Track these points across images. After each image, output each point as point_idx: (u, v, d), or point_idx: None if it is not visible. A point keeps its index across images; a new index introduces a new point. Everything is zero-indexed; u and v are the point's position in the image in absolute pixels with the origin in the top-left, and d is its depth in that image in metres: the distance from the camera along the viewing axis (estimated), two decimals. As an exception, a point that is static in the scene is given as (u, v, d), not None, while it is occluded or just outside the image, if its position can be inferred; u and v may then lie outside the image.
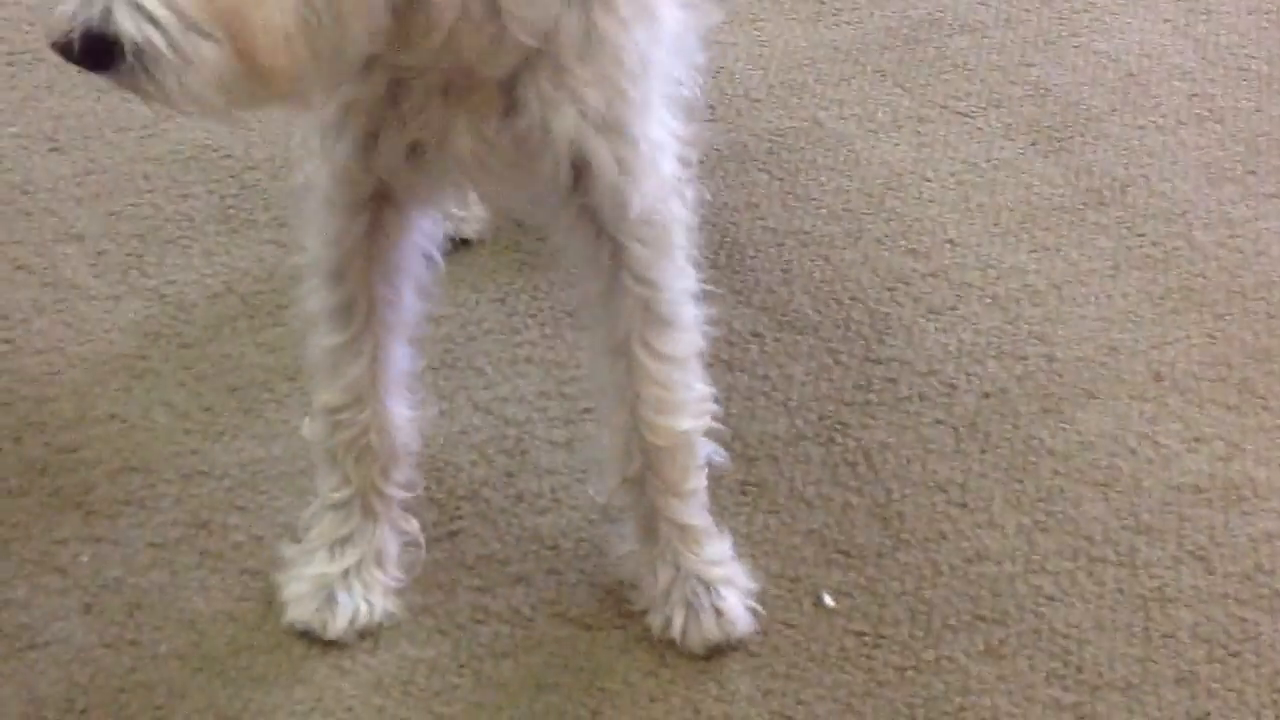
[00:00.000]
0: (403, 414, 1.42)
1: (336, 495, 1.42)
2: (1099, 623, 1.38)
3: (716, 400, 1.41)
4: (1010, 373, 1.64)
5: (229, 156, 1.91)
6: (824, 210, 1.86)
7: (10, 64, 2.07)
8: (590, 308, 1.38)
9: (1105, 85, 2.11)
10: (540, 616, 1.38)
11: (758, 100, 2.05)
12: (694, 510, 1.41)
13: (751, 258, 1.78)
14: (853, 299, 1.74)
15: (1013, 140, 2.00)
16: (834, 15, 2.21)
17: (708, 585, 1.39)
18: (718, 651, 1.38)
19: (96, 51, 0.97)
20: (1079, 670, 1.34)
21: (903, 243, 1.82)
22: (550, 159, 1.21)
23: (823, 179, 1.91)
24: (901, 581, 1.41)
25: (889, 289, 1.75)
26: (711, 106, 2.00)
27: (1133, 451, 1.55)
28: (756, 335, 1.67)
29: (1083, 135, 2.01)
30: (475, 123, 1.20)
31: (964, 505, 1.49)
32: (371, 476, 1.41)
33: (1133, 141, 2.00)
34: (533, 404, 1.60)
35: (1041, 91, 2.09)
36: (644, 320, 1.34)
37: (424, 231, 1.37)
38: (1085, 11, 2.26)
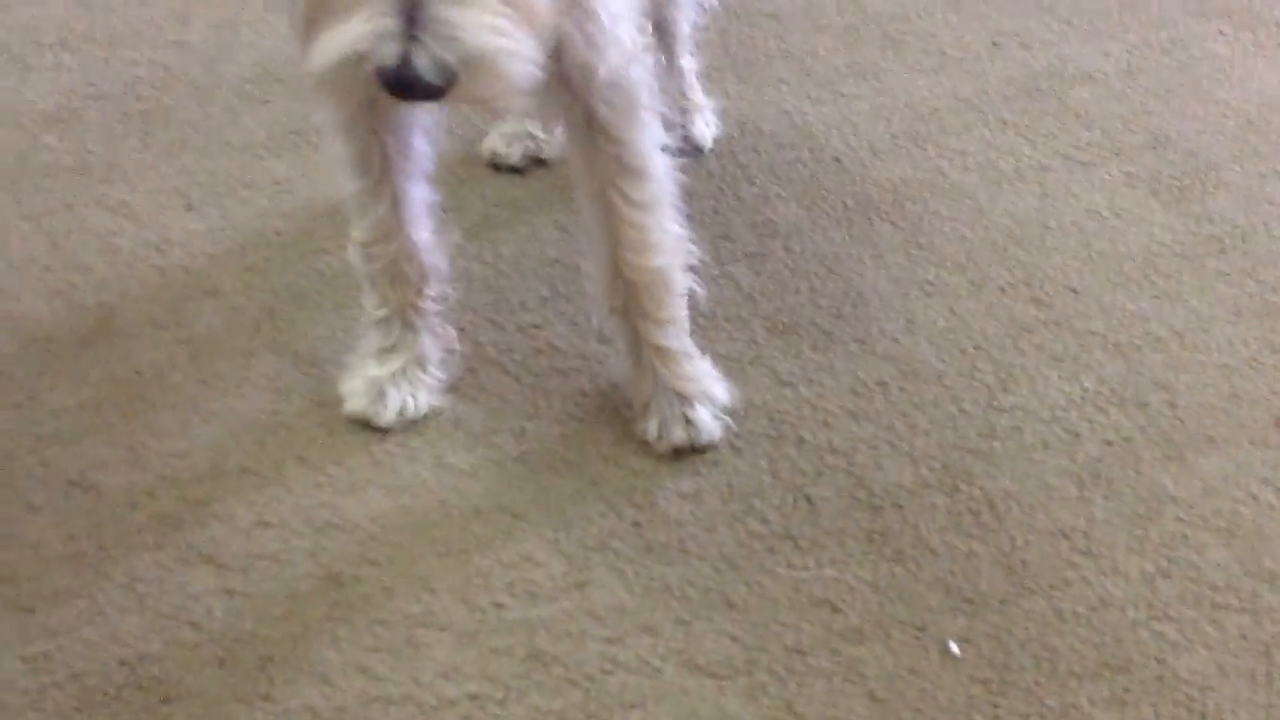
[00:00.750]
0: (426, 240, 1.67)
1: (379, 313, 1.70)
2: (1222, 669, 1.40)
3: (692, 241, 1.64)
4: (1133, 420, 1.67)
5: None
6: (947, 260, 1.90)
7: (144, 123, 2.15)
8: (573, 162, 1.59)
9: (1225, 134, 2.13)
10: (669, 666, 1.43)
11: (881, 151, 2.09)
12: (671, 334, 1.65)
13: (876, 308, 1.83)
14: (976, 348, 1.77)
15: (1134, 189, 2.02)
16: (956, 67, 2.25)
17: (682, 398, 1.64)
18: (683, 454, 1.63)
19: (437, 82, 1.19)
20: (1203, 718, 1.36)
21: (1025, 291, 1.86)
22: None
23: (946, 229, 1.96)
24: (1026, 629, 1.44)
25: (1012, 337, 1.79)
26: (837, 158, 2.06)
27: (1254, 498, 1.58)
28: (881, 384, 1.72)
29: (1203, 183, 2.03)
30: None
31: (1088, 552, 1.52)
32: (407, 295, 1.68)
33: (1253, 189, 2.02)
34: (660, 457, 1.66)
35: (1162, 140, 2.11)
36: (616, 171, 1.56)
37: None
38: (1205, 61, 2.29)
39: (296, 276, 1.88)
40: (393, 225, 1.64)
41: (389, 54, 1.17)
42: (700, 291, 1.69)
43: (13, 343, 1.77)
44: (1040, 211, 1.98)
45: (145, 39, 2.23)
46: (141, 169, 2.06)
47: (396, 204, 1.63)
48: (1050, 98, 2.19)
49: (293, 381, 1.73)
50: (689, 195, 1.95)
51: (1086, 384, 1.72)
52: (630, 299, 1.62)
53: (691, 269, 1.67)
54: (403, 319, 1.70)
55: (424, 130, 1.62)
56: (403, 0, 1.17)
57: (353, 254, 1.68)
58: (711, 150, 2.07)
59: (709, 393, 1.66)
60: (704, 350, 1.69)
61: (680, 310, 1.65)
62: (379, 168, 1.60)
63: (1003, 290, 1.86)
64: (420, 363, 1.70)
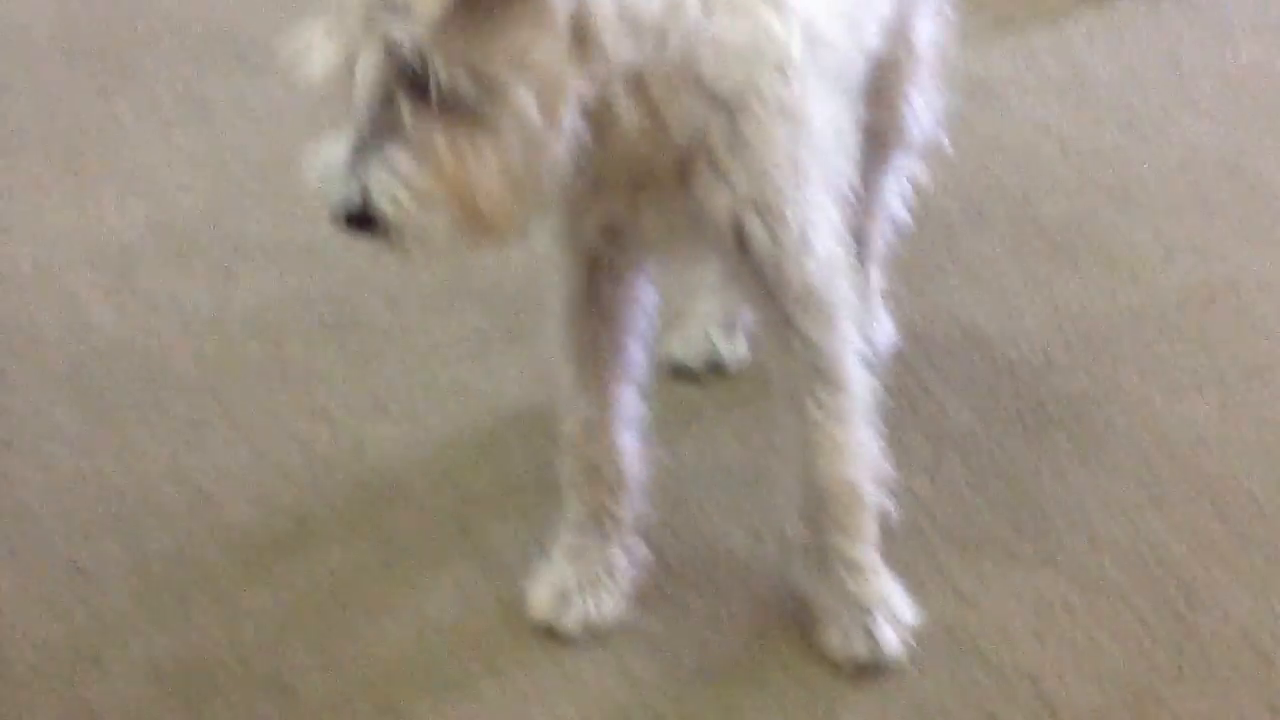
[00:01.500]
0: (630, 447, 1.73)
1: (573, 514, 1.74)
2: None
3: (885, 455, 1.67)
4: (1325, 643, 1.65)
5: (545, 416, 2.03)
6: (1127, 472, 1.91)
7: (340, 329, 2.22)
8: (769, 362, 1.65)
9: None
10: None
11: (1055, 361, 2.11)
12: (860, 548, 1.67)
13: (1057, 521, 1.84)
14: (1160, 564, 1.77)
15: (1316, 400, 2.02)
16: (1129, 277, 2.27)
17: (866, 612, 1.65)
18: (865, 669, 1.64)
19: (363, 223, 1.34)
20: None
21: (1209, 506, 1.85)
22: (713, 230, 1.49)
23: (1124, 440, 1.96)
24: None
25: (1197, 553, 1.78)
26: (1011, 368, 2.08)
27: None
28: (1066, 603, 1.72)
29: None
30: (655, 205, 1.50)
31: (1282, 781, 1.50)
32: (602, 500, 1.72)
33: None
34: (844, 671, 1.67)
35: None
36: (812, 379, 1.60)
37: (638, 294, 1.67)
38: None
39: (486, 482, 1.94)
40: (599, 425, 1.70)
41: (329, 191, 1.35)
42: (891, 508, 1.71)
43: (215, 545, 1.84)
44: (1221, 423, 1.99)
45: (342, 248, 2.34)
46: (338, 374, 2.14)
47: (605, 404, 1.69)
48: (1225, 307, 2.20)
49: (482, 587, 1.78)
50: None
51: (1275, 604, 1.71)
52: (822, 509, 1.65)
53: (883, 483, 1.69)
54: (596, 523, 1.74)
55: (640, 338, 1.70)
56: (354, 143, 1.34)
57: (558, 452, 1.74)
58: (885, 359, 2.10)
59: (893, 608, 1.67)
60: (884, 563, 1.71)
61: (871, 524, 1.68)
62: (590, 362, 1.67)
63: (1185, 504, 1.86)
64: (608, 570, 1.74)
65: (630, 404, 1.72)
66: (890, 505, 1.71)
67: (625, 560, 1.75)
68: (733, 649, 1.69)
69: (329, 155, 1.36)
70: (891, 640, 1.65)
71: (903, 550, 1.78)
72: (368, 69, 1.31)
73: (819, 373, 1.59)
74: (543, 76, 1.32)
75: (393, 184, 1.32)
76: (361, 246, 1.36)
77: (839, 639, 1.66)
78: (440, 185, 1.33)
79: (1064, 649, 1.66)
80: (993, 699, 1.60)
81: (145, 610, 1.76)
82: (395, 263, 1.43)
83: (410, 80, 1.30)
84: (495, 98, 1.31)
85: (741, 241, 1.50)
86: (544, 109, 1.33)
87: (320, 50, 1.34)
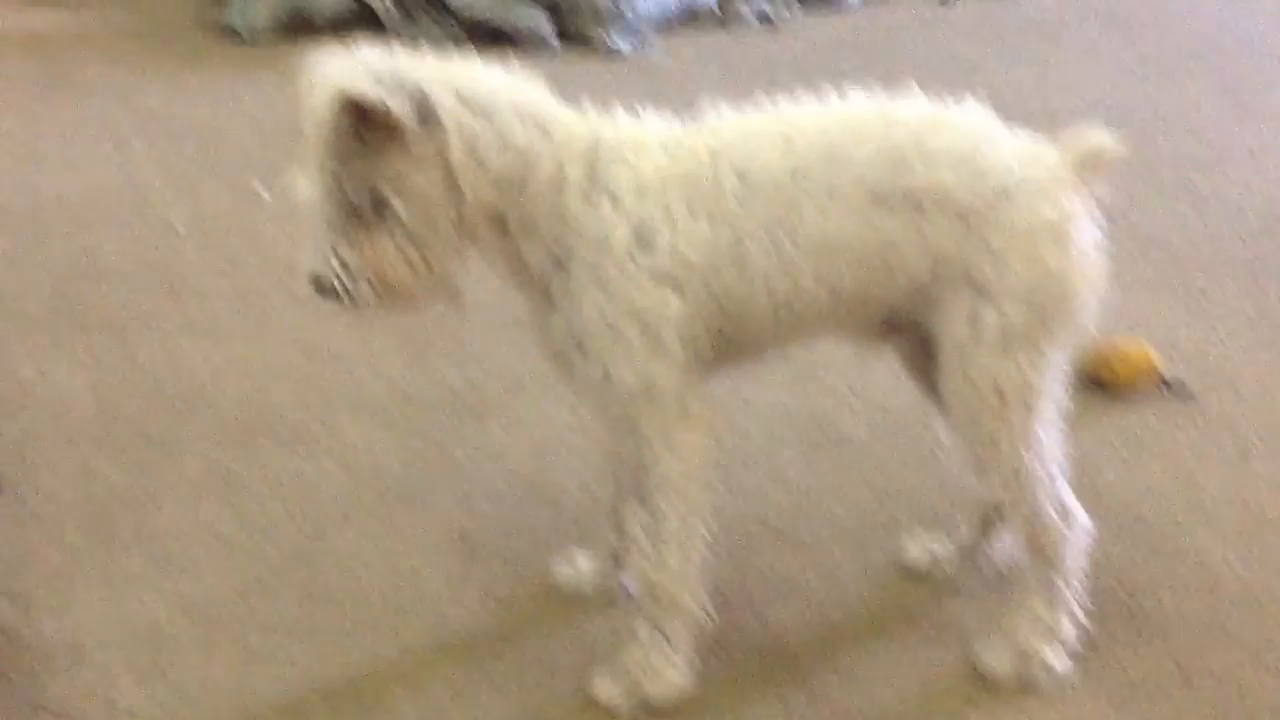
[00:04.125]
0: None
1: None
2: None
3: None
4: None
5: None
6: None
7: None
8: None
9: None
10: None
11: None
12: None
13: None
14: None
15: None
16: (1147, 699, 2.30)
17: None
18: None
19: (325, 292, 2.01)
20: None
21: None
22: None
23: None
24: None
25: None
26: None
27: None
28: None
29: None
30: (534, 318, 2.21)
31: None
32: None
33: None
34: None
35: None
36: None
37: None
38: None
39: None
40: None
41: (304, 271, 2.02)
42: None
43: None
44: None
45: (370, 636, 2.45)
46: None
47: None
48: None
49: None
50: None
51: None
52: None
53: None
54: None
55: None
56: (318, 242, 2.01)
57: None
58: None
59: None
60: None
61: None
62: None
63: None
64: None
65: None
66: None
67: None
68: None
69: (306, 250, 2.01)
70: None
71: None
72: (321, 192, 1.97)
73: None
74: (419, 197, 1.98)
75: (335, 267, 1.99)
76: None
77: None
78: (363, 267, 1.99)
79: None
80: None
81: None
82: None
83: (342, 198, 1.97)
84: (385, 210, 1.97)
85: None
86: (423, 221, 1.99)
87: (299, 184, 1.97)
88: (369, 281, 1.99)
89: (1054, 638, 2.29)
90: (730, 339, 2.16)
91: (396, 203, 1.96)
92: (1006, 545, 2.45)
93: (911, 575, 2.54)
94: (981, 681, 2.31)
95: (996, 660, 2.30)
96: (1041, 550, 2.26)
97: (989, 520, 2.49)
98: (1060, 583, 2.28)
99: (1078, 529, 2.27)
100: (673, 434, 2.13)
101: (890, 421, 3.06)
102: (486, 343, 3.34)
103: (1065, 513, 2.25)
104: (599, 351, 2.09)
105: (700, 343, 2.13)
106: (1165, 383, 3.11)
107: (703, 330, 2.12)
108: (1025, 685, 2.28)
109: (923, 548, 2.57)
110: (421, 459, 2.97)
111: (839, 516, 2.76)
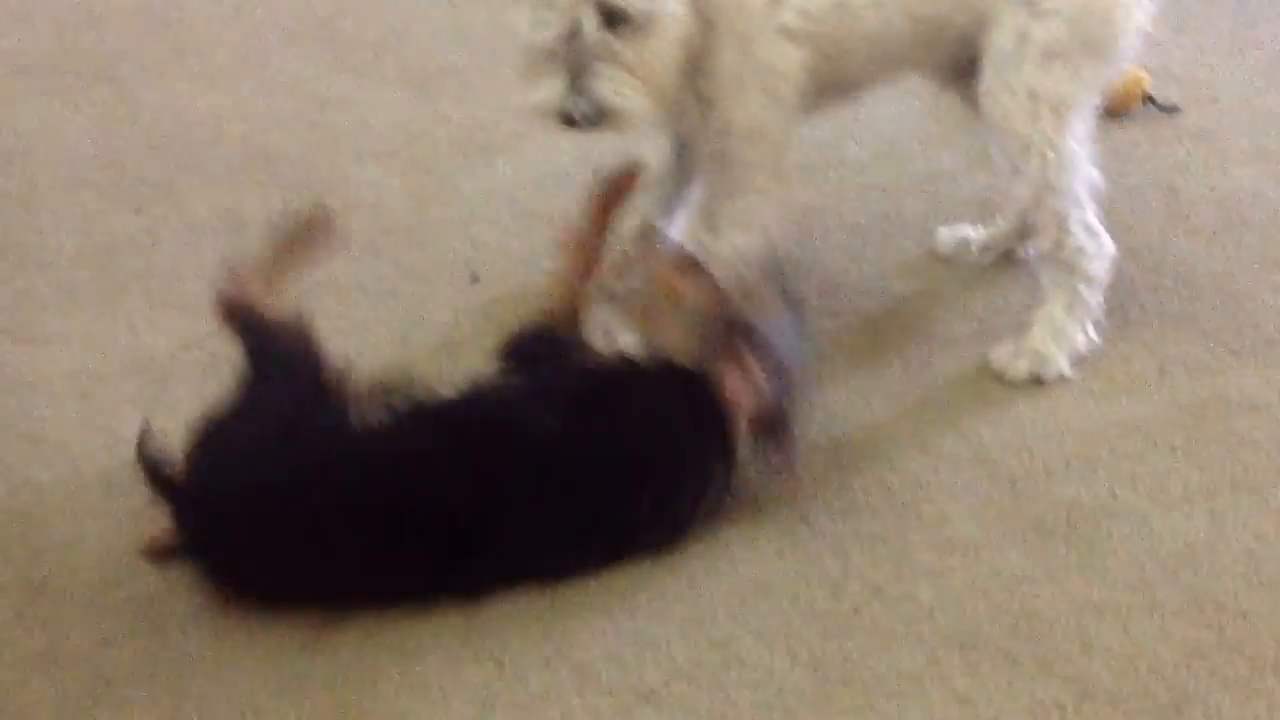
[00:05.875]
0: None
1: None
2: None
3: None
4: (1309, 749, 1.72)
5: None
6: (1120, 581, 1.98)
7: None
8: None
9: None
10: None
11: (1054, 473, 2.19)
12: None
13: (1051, 627, 1.91)
14: (1151, 670, 1.84)
15: (1303, 515, 2.10)
16: (1125, 392, 2.36)
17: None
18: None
19: (580, 123, 2.07)
20: None
21: (1198, 615, 1.93)
22: None
23: (1119, 551, 2.04)
24: None
25: (1186, 661, 1.85)
26: (1011, 480, 2.16)
27: None
28: (1059, 705, 1.79)
29: (1372, 508, 2.10)
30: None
31: None
32: None
33: None
34: None
35: (1332, 462, 2.20)
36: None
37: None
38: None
39: (498, 589, 2.00)
40: None
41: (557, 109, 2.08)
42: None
43: (239, 653, 1.92)
44: (1210, 535, 2.06)
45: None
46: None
47: None
48: (1217, 424, 2.28)
49: (496, 691, 1.84)
50: (864, 512, 2.08)
51: (1258, 710, 1.77)
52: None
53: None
54: None
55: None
56: (569, 75, 2.06)
57: None
58: (891, 470, 2.18)
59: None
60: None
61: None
62: None
63: (1175, 613, 1.93)
64: None
65: None
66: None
67: None
68: None
69: (541, 94, 2.08)
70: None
71: (904, 652, 1.86)
72: (585, 22, 2.04)
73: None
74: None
75: (613, 86, 2.06)
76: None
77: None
78: (637, 78, 2.07)
79: (1057, 752, 1.73)
80: (988, 799, 1.67)
81: None
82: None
83: (608, 20, 2.04)
84: (655, 16, 2.07)
85: None
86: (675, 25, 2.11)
87: (541, 21, 2.06)
88: (642, 91, 2.09)
89: (1067, 343, 2.39)
90: (830, 83, 2.33)
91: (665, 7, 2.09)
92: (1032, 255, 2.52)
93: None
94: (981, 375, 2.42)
95: (1007, 356, 2.41)
96: (1065, 260, 2.38)
97: (1019, 232, 2.61)
98: (1083, 290, 2.39)
99: (1104, 249, 2.40)
100: (769, 174, 2.32)
101: (895, 150, 3.09)
102: (495, 85, 3.27)
103: (1092, 232, 2.38)
104: (724, 102, 2.25)
105: (807, 89, 2.29)
106: (1151, 99, 3.20)
107: (810, 77, 2.28)
108: (1032, 382, 2.39)
109: (954, 236, 2.73)
110: (428, 197, 2.93)
111: (830, 229, 2.79)
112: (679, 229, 2.46)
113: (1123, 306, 2.55)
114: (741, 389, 2.03)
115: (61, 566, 2.03)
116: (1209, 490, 2.15)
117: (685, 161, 2.46)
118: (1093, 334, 2.41)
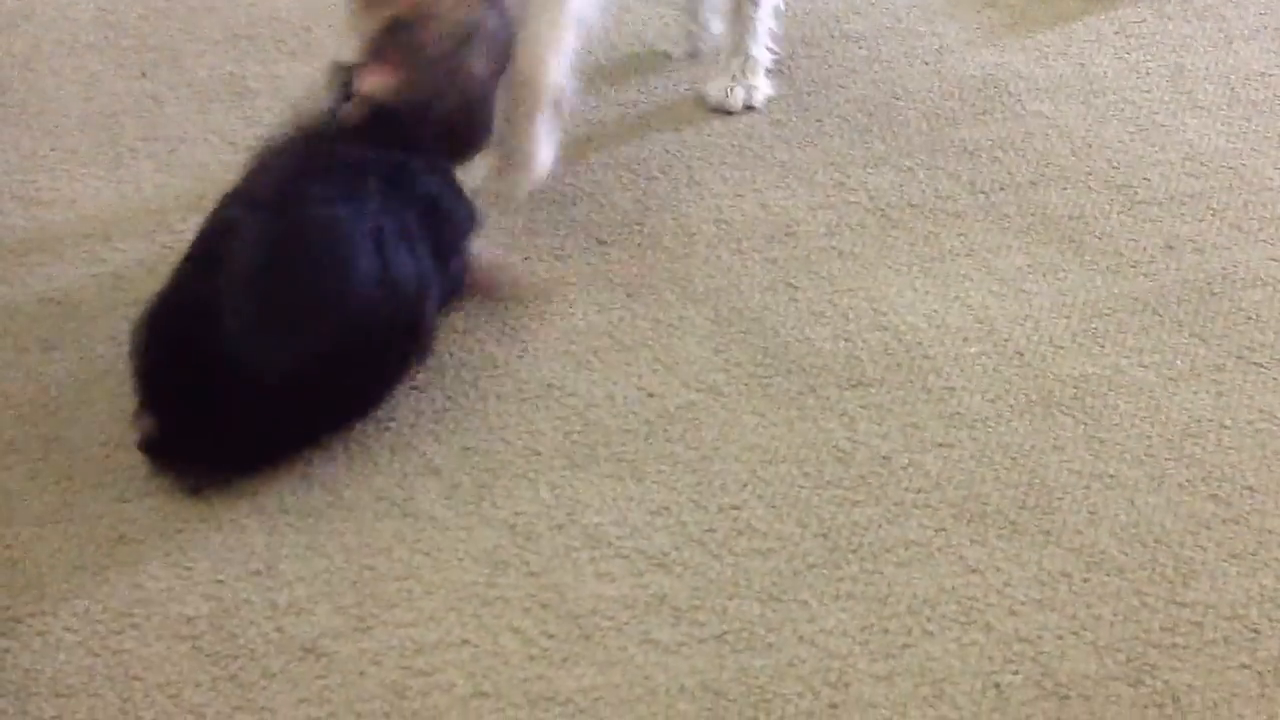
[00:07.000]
0: None
1: None
2: None
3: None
4: (1311, 619, 1.74)
5: (573, 395, 2.10)
6: (1127, 455, 2.00)
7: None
8: None
9: (1401, 338, 2.21)
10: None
11: (1061, 347, 2.20)
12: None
13: (1059, 499, 1.92)
14: (1157, 541, 1.86)
15: (1309, 390, 2.11)
16: (1132, 268, 2.36)
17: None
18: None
19: None
20: None
21: (1203, 488, 1.94)
22: None
23: (1125, 424, 2.05)
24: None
25: (1191, 533, 1.87)
26: (1019, 353, 2.17)
27: None
28: (1066, 575, 1.81)
29: (1379, 387, 2.11)
30: None
31: (1268, 746, 1.59)
32: None
33: None
34: (855, 638, 1.76)
35: (1337, 343, 2.20)
36: None
37: None
38: (1379, 263, 2.37)
39: (513, 455, 2.01)
40: None
41: None
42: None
43: (252, 514, 1.93)
44: (1216, 410, 2.07)
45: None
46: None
47: None
48: (1224, 300, 2.29)
49: (508, 555, 1.86)
50: (872, 384, 2.09)
51: (1265, 581, 1.80)
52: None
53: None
54: None
55: None
56: None
57: None
58: (898, 342, 2.19)
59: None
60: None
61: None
62: None
63: (1181, 486, 1.95)
64: None
65: None
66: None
67: None
68: (749, 616, 1.77)
69: None
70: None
71: (912, 522, 1.88)
72: None
73: None
74: None
75: None
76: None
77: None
78: None
79: (1064, 618, 1.76)
80: (995, 664, 1.69)
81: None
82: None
83: None
84: None
85: None
86: None
87: None
88: None
89: (759, 69, 2.75)
90: None
91: None
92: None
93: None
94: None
95: (717, 89, 2.74)
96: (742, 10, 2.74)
97: None
98: (759, 22, 2.74)
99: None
100: None
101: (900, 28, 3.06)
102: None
103: None
104: None
105: None
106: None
107: None
108: (744, 108, 2.74)
109: None
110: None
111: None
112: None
113: (1129, 182, 2.55)
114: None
115: (74, 425, 2.03)
116: (1215, 365, 2.16)
117: None
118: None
